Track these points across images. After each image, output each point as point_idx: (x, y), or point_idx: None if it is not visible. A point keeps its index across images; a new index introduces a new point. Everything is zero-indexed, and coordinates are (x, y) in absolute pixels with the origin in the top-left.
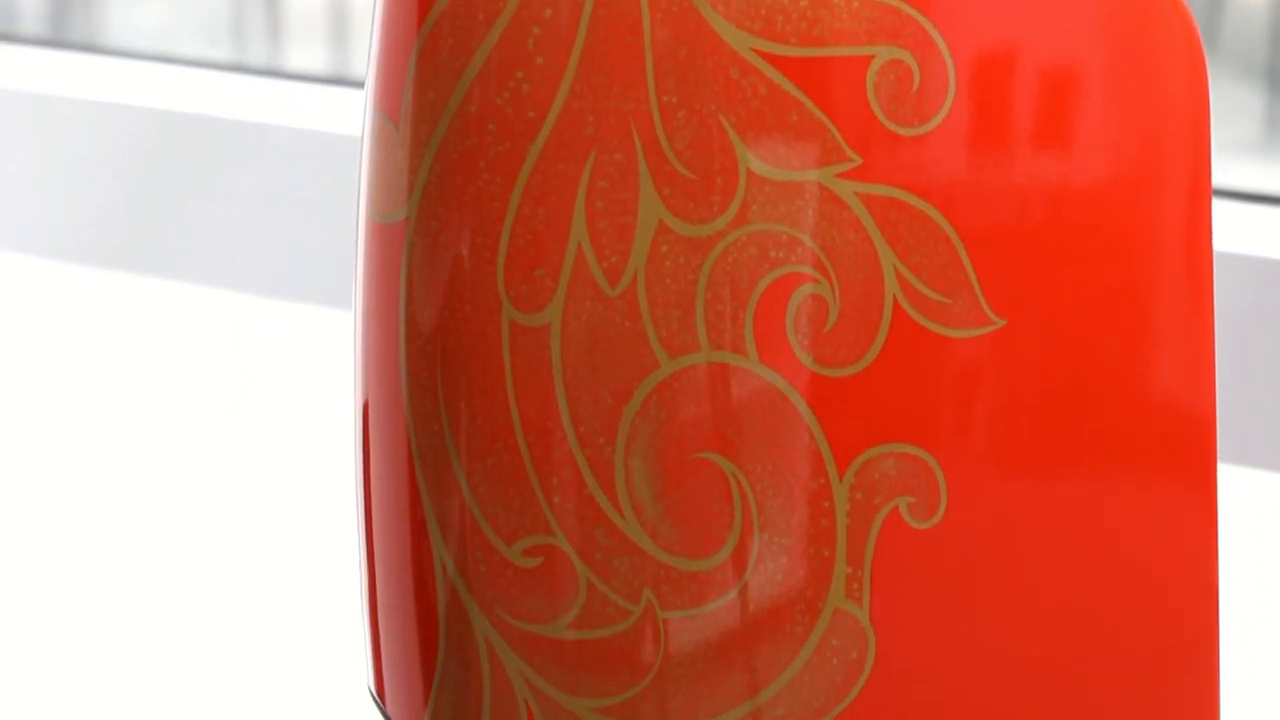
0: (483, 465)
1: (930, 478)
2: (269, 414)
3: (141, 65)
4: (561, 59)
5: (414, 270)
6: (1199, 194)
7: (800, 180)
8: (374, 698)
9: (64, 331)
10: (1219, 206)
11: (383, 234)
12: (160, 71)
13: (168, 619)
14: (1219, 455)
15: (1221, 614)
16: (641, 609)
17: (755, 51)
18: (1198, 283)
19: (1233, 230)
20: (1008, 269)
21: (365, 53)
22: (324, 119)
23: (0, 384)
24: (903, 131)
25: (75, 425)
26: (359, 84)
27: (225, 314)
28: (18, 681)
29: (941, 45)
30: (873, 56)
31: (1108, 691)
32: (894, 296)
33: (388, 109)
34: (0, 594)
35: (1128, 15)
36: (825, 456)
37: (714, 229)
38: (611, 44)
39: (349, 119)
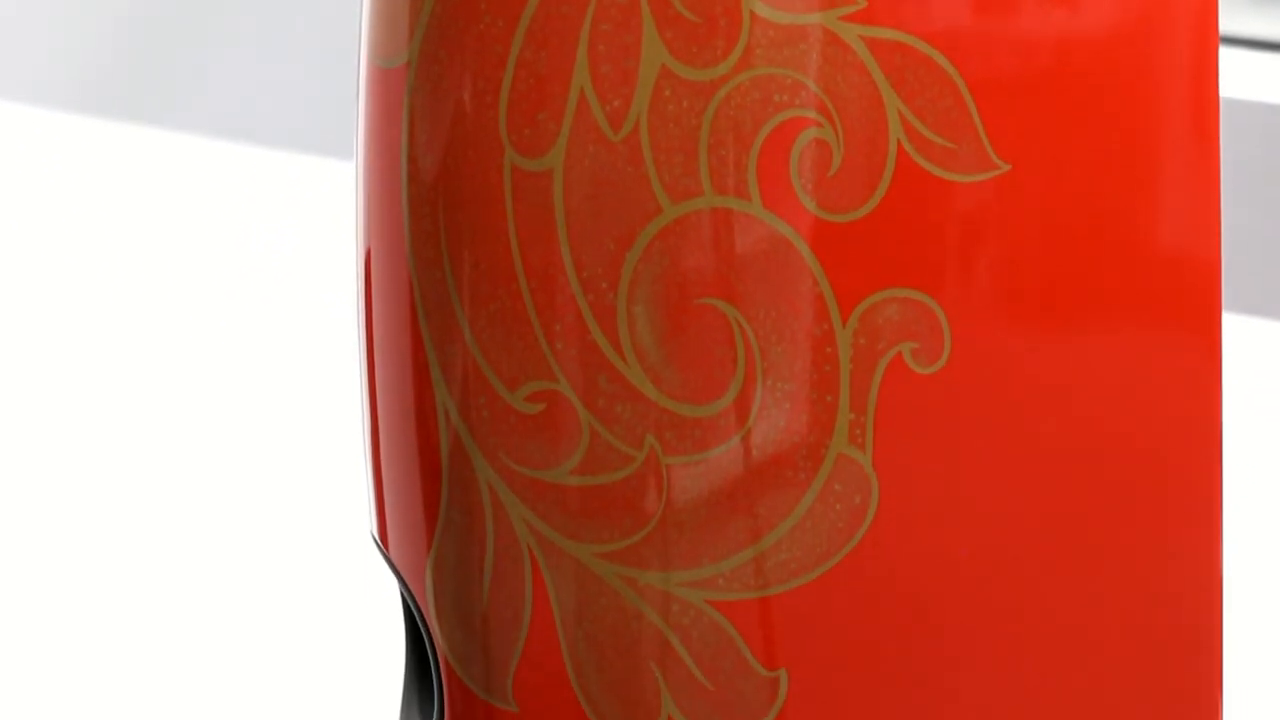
0: (485, 311)
1: (934, 323)
2: (270, 265)
3: None
4: None
5: (415, 116)
6: (1205, 40)
7: (804, 23)
8: (377, 544)
9: (63, 182)
10: (1225, 54)
11: (384, 79)
12: None
13: (170, 469)
14: (1224, 304)
15: (1225, 464)
16: (644, 455)
17: None
18: (1204, 130)
19: (1239, 77)
20: (1013, 114)
21: None
22: None
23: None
24: None
25: (76, 279)
26: None
27: (225, 165)
28: (16, 558)
29: None
30: None
31: (1109, 538)
32: (898, 141)
33: None
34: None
35: None
36: (828, 302)
37: (717, 73)
38: None
39: None
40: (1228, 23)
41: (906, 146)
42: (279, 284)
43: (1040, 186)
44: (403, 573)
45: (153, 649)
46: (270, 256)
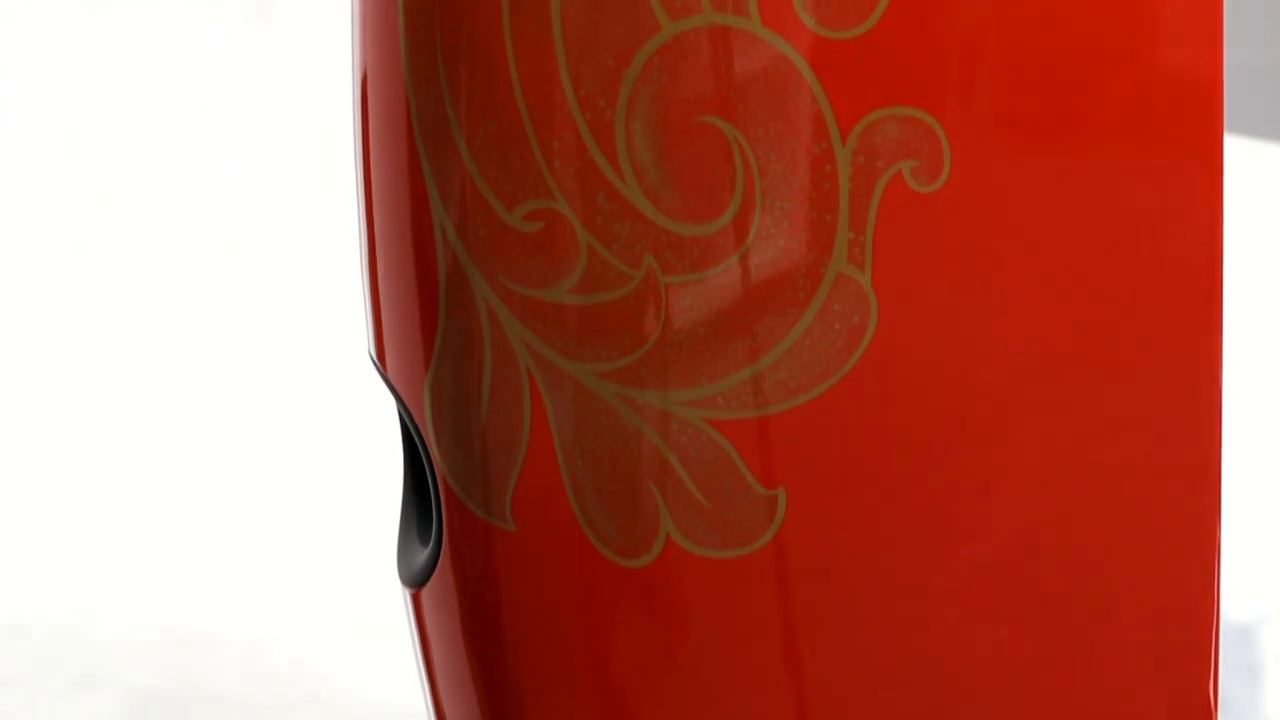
0: (483, 129)
1: (933, 141)
2: (266, 90)
3: None
4: None
5: None
6: None
7: None
8: (375, 363)
9: None
10: None
11: None
12: None
13: (172, 288)
14: (1225, 125)
15: (1225, 282)
16: (642, 274)
17: None
18: None
19: None
20: None
21: None
22: None
23: None
24: None
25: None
26: None
27: None
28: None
29: None
30: None
31: (1110, 355)
32: None
33: None
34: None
35: None
36: (828, 120)
37: None
38: None
39: None
40: None
41: None
42: (276, 108)
43: (1041, 1)
44: (401, 393)
45: (157, 469)
46: (266, 81)
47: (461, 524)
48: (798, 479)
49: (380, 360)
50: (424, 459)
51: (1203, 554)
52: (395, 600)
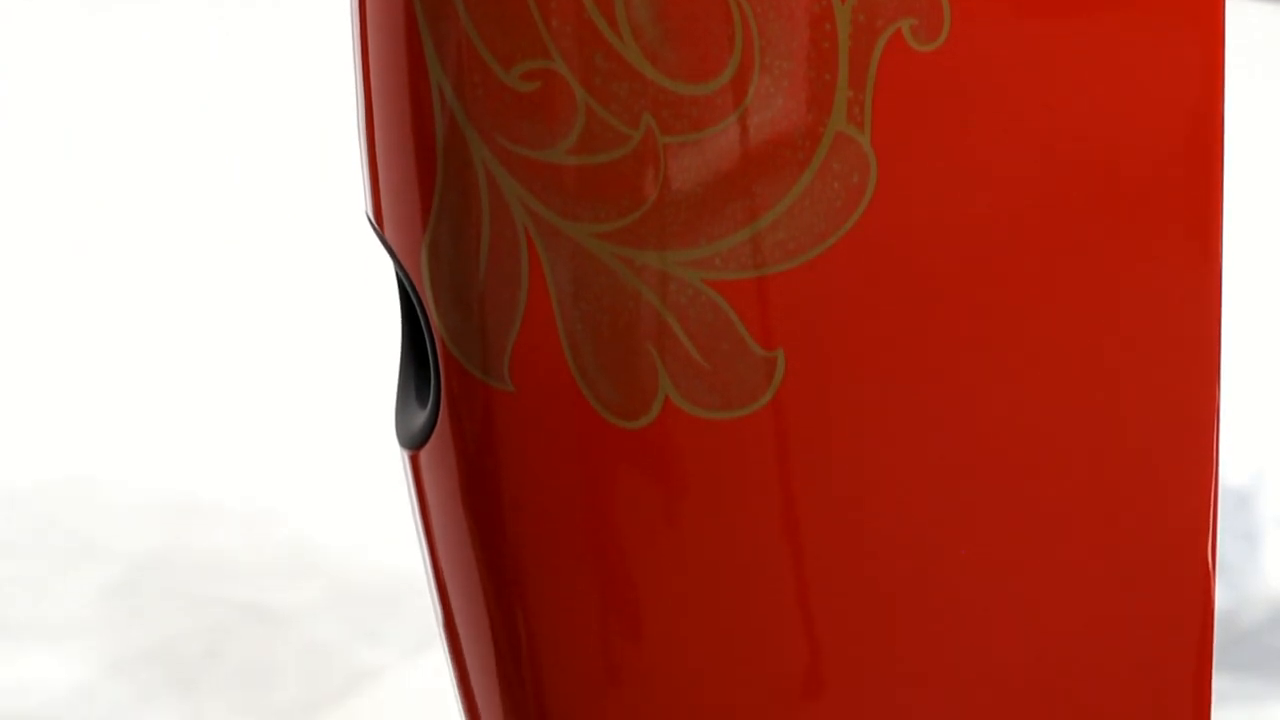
0: None
1: None
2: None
3: None
4: None
5: None
6: None
7: None
8: (372, 224)
9: None
10: None
11: None
12: None
13: (167, 148)
14: None
15: (1224, 149)
16: (641, 134)
17: None
18: None
19: None
20: None
21: None
22: None
23: None
24: None
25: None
26: None
27: None
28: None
29: None
30: None
31: (1107, 223)
32: None
33: None
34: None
35: None
36: None
37: None
38: None
39: None
40: None
41: None
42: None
43: None
44: (398, 254)
45: (157, 335)
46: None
47: (460, 386)
48: (797, 340)
49: (378, 222)
50: (421, 321)
51: (1201, 417)
52: (394, 465)
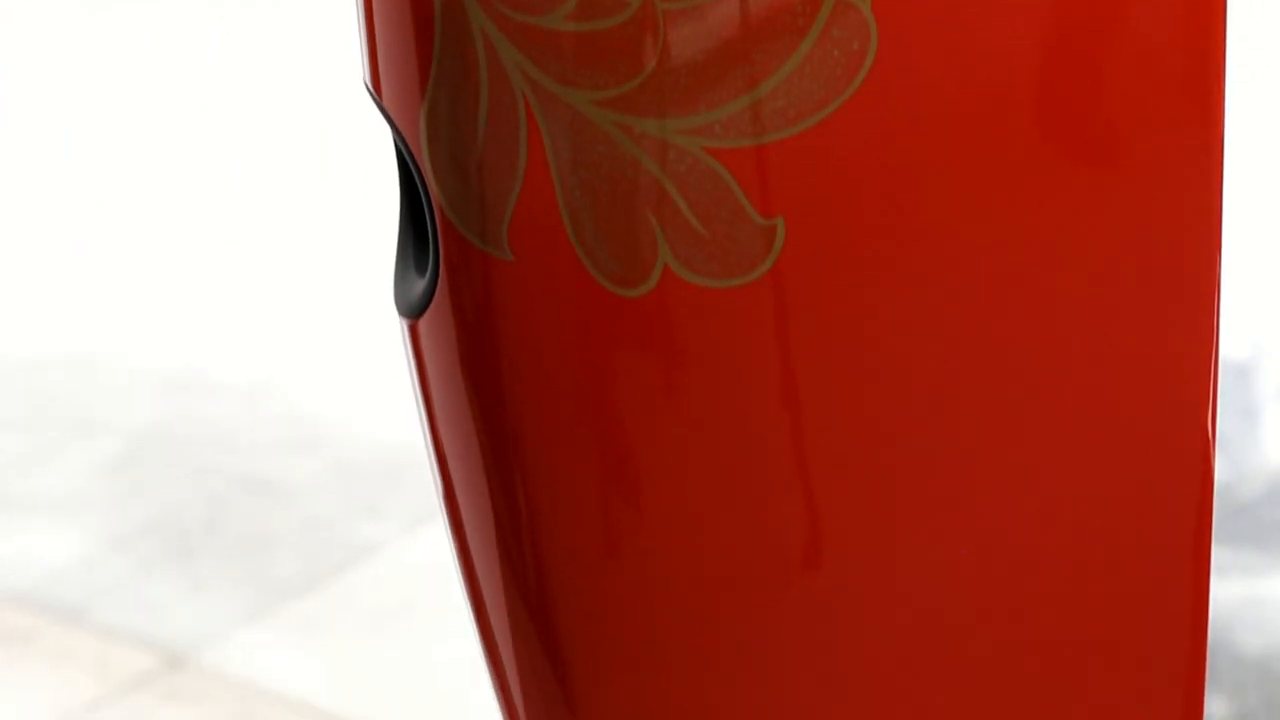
0: None
1: None
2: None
3: None
4: None
5: None
6: None
7: None
8: (370, 93)
9: None
10: None
11: None
12: None
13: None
14: None
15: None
16: (640, 0)
17: None
18: None
19: None
20: None
21: None
22: None
23: None
24: None
25: None
26: None
27: None
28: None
29: None
30: None
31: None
32: None
33: None
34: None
35: None
36: None
37: None
38: None
39: None
40: None
41: None
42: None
43: None
44: (396, 122)
45: (156, 209)
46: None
47: (458, 254)
48: (796, 209)
49: (375, 90)
50: (420, 190)
51: (1202, 292)
52: (394, 337)
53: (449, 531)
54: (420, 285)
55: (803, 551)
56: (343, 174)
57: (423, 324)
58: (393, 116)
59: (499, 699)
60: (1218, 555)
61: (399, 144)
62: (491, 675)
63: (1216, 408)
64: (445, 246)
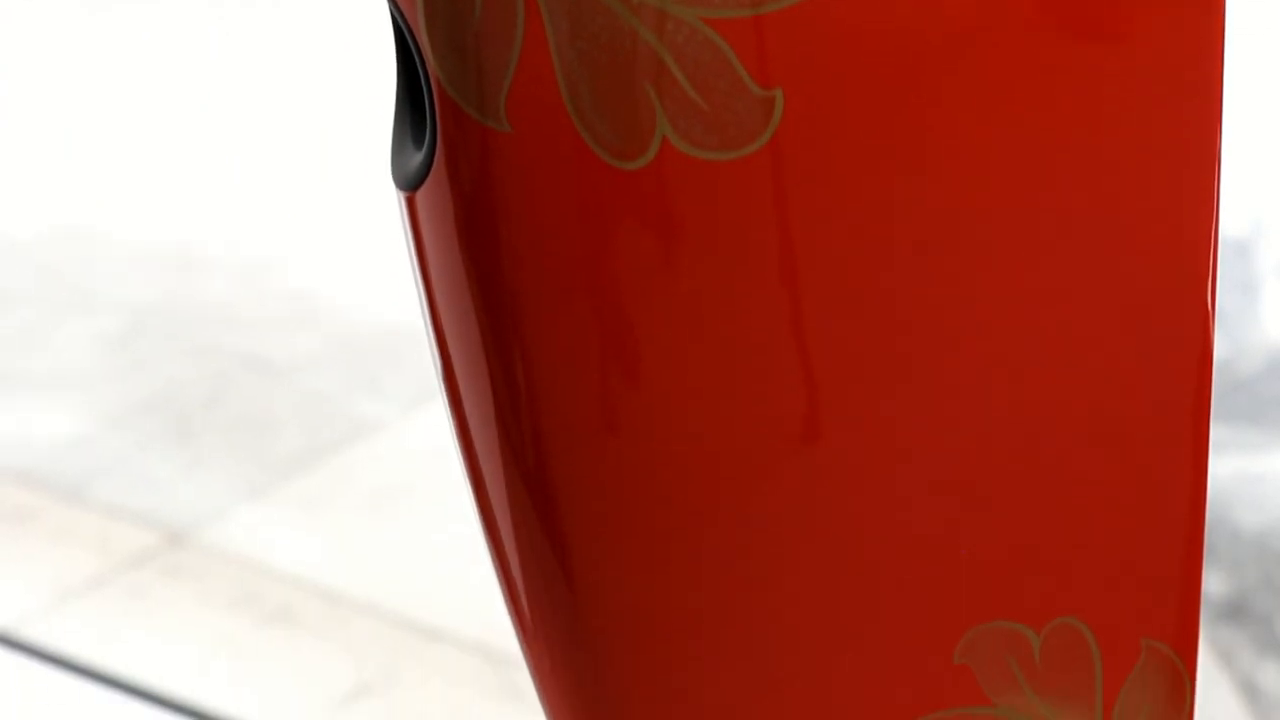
0: None
1: None
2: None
3: None
4: None
5: None
6: None
7: None
8: None
9: None
10: None
11: None
12: None
13: None
14: None
15: None
16: None
17: None
18: None
19: None
20: None
21: None
22: None
23: None
24: None
25: None
26: None
27: None
28: None
29: None
30: None
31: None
32: None
33: None
34: None
35: None
36: None
37: None
38: None
39: None
40: None
41: None
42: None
43: None
44: None
45: (156, 81)
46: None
47: (455, 127)
48: (795, 80)
49: None
50: (417, 62)
51: (1203, 166)
52: (394, 215)
53: (448, 408)
54: (417, 158)
55: (801, 427)
56: (341, 50)
57: (420, 197)
58: None
59: (498, 576)
60: (1216, 432)
61: (395, 16)
62: (491, 553)
63: (1216, 283)
64: (442, 119)
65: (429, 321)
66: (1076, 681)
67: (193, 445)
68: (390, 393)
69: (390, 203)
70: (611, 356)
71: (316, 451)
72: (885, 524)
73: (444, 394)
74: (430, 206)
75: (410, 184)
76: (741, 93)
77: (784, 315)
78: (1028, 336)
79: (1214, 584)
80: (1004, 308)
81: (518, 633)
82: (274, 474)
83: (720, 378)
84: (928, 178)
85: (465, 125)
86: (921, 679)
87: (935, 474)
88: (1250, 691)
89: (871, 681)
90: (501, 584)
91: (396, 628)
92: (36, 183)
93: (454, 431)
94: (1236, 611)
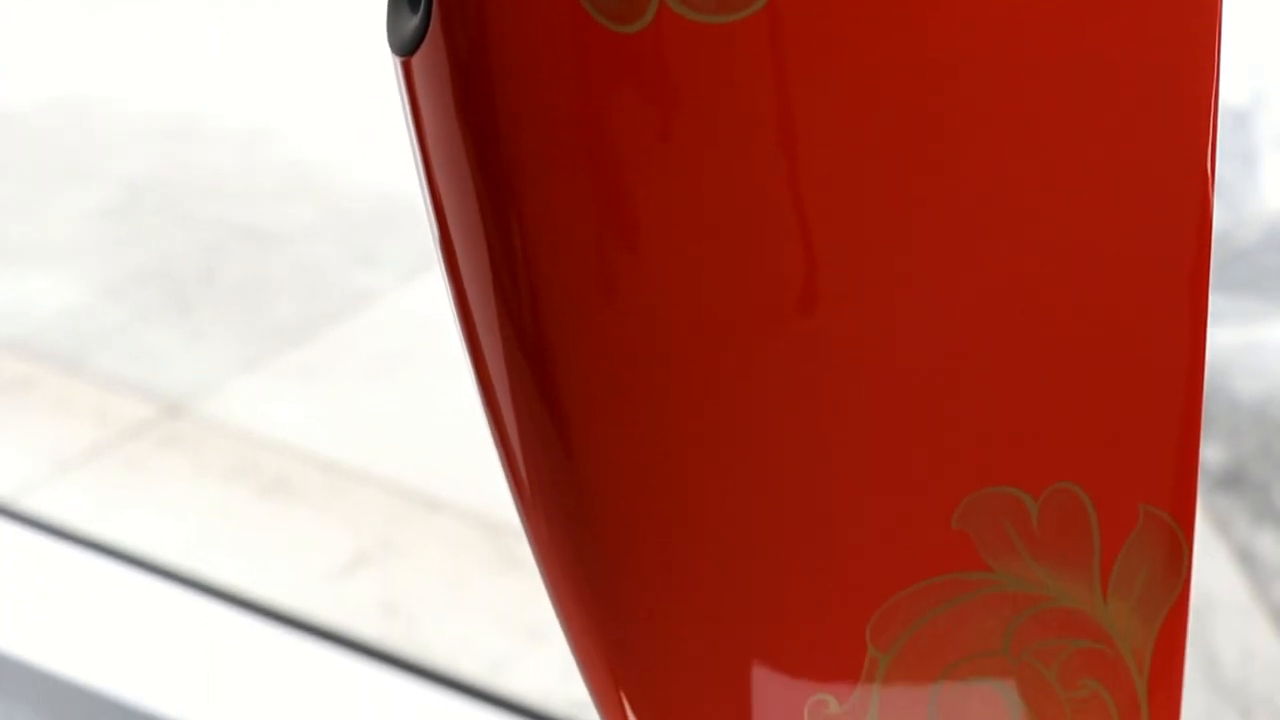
0: None
1: None
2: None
3: None
4: None
5: None
6: None
7: None
8: None
9: None
10: None
11: None
12: None
13: None
14: None
15: None
16: None
17: None
18: None
19: None
20: None
21: None
22: None
23: None
24: None
25: None
26: None
27: None
28: None
29: None
30: None
31: None
32: None
33: None
34: None
35: None
36: None
37: None
38: None
39: None
40: None
41: None
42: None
43: None
44: None
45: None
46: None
47: None
48: None
49: None
50: None
51: (1203, 35)
52: (391, 84)
53: (445, 277)
54: (413, 22)
55: (799, 293)
56: None
57: (416, 62)
58: None
59: (496, 445)
60: (1215, 302)
61: None
62: (489, 422)
63: (1216, 152)
64: None
65: (426, 189)
66: (1074, 547)
67: (191, 316)
68: (387, 262)
69: (386, 69)
70: (609, 222)
71: (314, 322)
72: (883, 391)
73: (441, 263)
74: (426, 72)
75: (406, 48)
76: None
77: (782, 182)
78: (1027, 203)
79: (1211, 453)
80: (1003, 173)
81: (516, 502)
82: (272, 344)
83: (718, 245)
84: (928, 40)
85: None
86: (920, 545)
87: (933, 342)
88: (1247, 559)
89: (870, 547)
90: (500, 453)
91: (394, 497)
92: (34, 53)
93: (451, 300)
94: (1234, 480)
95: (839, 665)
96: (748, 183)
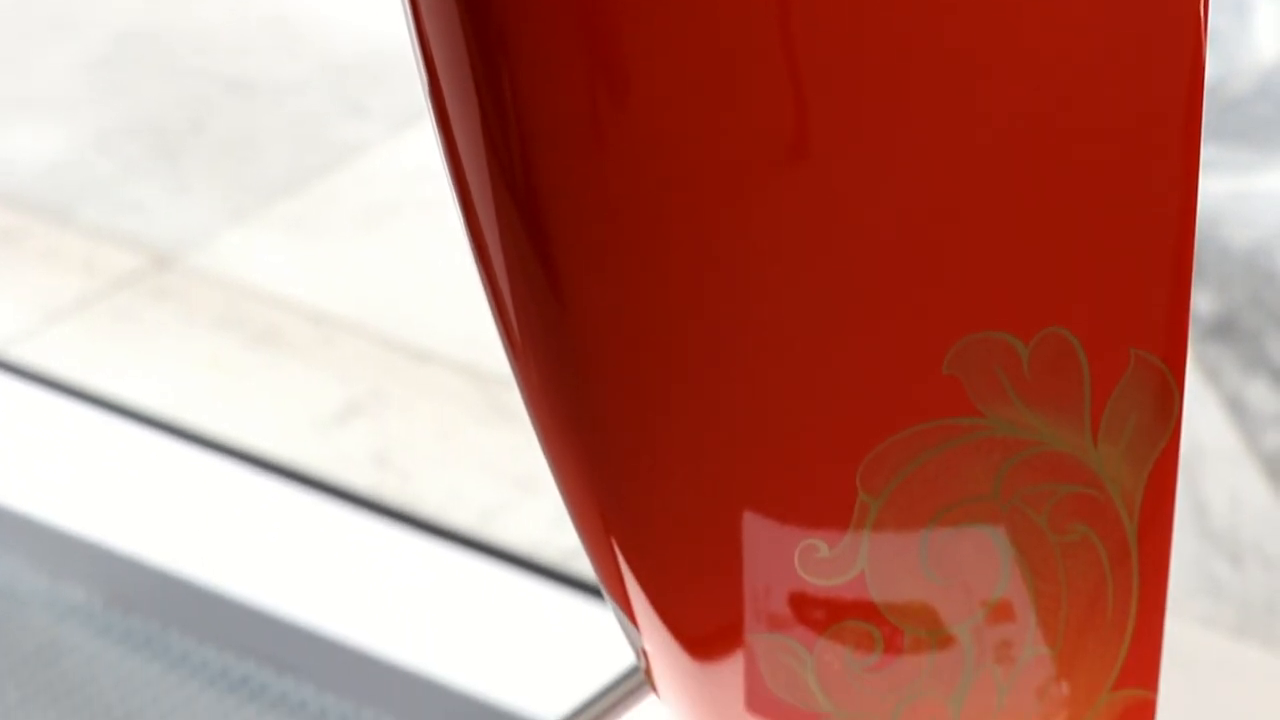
0: None
1: None
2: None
3: None
4: None
5: None
6: None
7: None
8: None
9: None
10: None
11: None
12: None
13: None
14: None
15: None
16: None
17: None
18: None
19: None
20: None
21: None
22: None
23: None
24: None
25: None
26: None
27: None
28: None
29: None
30: None
31: None
32: None
33: None
34: None
35: None
36: None
37: None
38: None
39: None
40: None
41: None
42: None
43: None
44: None
45: None
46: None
47: None
48: None
49: None
50: None
51: None
52: None
53: (435, 127)
54: None
55: (790, 138)
56: None
57: None
58: None
59: (487, 295)
60: (1207, 151)
61: None
62: (479, 272)
63: (1209, 1)
64: None
65: (415, 38)
66: (1065, 391)
67: (178, 168)
68: (377, 113)
69: None
70: (599, 71)
71: (303, 173)
72: (874, 237)
73: (430, 113)
74: None
75: None
76: None
77: (772, 26)
78: (1016, 48)
79: (1202, 302)
80: (994, 14)
81: (507, 351)
82: (260, 196)
83: (708, 91)
84: None
85: None
86: (911, 390)
87: (924, 185)
88: (1237, 407)
89: (861, 392)
90: (490, 303)
91: (384, 348)
92: None
93: (441, 151)
94: (1224, 329)
95: (829, 511)
96: (738, 27)
